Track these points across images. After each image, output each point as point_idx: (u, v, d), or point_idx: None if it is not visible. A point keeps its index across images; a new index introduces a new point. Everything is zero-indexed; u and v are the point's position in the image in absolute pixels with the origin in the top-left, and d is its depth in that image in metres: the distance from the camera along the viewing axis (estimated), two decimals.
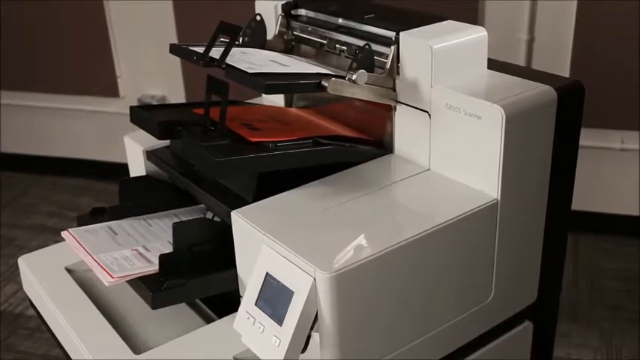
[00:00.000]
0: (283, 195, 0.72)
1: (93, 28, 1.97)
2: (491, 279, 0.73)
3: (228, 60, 0.74)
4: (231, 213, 0.70)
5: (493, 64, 0.77)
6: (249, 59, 0.76)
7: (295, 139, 0.75)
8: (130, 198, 0.83)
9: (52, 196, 2.04)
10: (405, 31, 0.74)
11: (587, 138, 1.26)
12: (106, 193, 2.00)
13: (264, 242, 0.66)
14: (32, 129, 2.19)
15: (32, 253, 0.87)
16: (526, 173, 0.71)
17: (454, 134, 0.72)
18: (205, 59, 0.76)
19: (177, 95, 2.01)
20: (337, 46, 0.85)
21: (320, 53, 0.88)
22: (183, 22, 1.89)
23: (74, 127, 2.14)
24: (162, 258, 0.70)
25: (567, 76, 1.64)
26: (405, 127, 0.78)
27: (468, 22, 0.76)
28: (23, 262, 0.86)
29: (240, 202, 0.72)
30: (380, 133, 0.82)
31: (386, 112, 0.79)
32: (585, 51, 1.62)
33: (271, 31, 0.91)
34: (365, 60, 0.74)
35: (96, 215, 0.83)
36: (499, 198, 0.69)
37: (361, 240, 0.64)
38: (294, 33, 0.91)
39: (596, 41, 1.61)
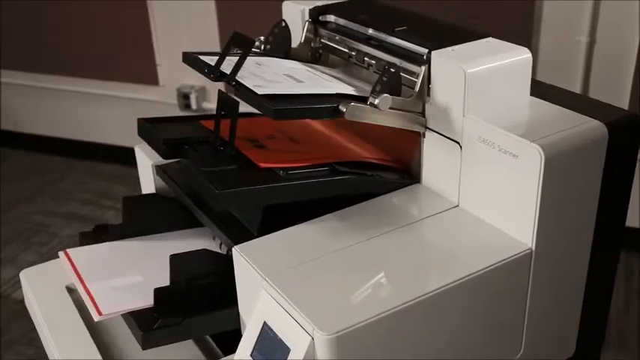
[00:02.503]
0: (293, 230, 0.65)
1: (134, 15, 1.93)
2: (521, 335, 0.65)
3: (239, 75, 0.67)
4: (233, 249, 0.63)
5: (537, 89, 0.68)
6: (261, 73, 0.69)
7: (309, 166, 0.68)
8: (135, 216, 0.77)
9: (88, 183, 2.02)
10: (437, 50, 0.66)
11: None
12: None
13: (263, 287, 0.59)
14: (71, 113, 2.18)
15: (34, 267, 0.83)
16: (567, 220, 0.62)
17: (487, 171, 0.63)
18: (216, 73, 0.69)
19: (215, 86, 1.96)
20: (366, 59, 0.77)
21: (349, 65, 0.80)
22: (224, 11, 1.83)
23: (113, 114, 2.11)
24: (158, 292, 0.64)
25: (630, 83, 1.52)
26: (434, 156, 0.69)
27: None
28: (24, 276, 0.82)
29: (244, 235, 0.66)
30: (408, 157, 0.74)
31: (416, 135, 0.71)
32: None
33: (298, 37, 0.84)
34: (390, 82, 0.66)
35: (99, 233, 0.78)
36: (533, 247, 0.61)
37: (371, 293, 0.57)
38: (322, 41, 0.84)
39: None
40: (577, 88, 1.56)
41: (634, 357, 1.34)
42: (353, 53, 0.79)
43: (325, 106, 0.63)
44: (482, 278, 0.59)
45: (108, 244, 0.75)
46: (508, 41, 0.68)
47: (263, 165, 0.67)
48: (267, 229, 0.66)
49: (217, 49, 1.85)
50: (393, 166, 0.75)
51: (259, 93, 0.63)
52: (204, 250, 0.67)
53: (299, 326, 0.55)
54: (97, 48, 2.03)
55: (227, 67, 0.68)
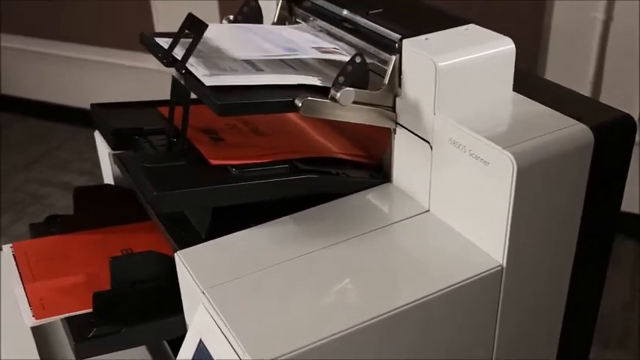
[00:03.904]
0: (243, 234, 0.59)
1: None
2: (490, 354, 0.59)
3: (193, 60, 0.61)
4: (175, 254, 0.58)
5: (522, 84, 0.61)
6: (218, 59, 0.63)
7: (267, 163, 0.62)
8: (87, 208, 0.72)
9: (87, 152, 1.98)
10: (409, 39, 0.59)
11: None
12: None
13: (201, 301, 0.54)
14: (75, 80, 2.13)
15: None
16: (544, 234, 0.56)
17: (457, 176, 0.57)
18: (168, 59, 0.63)
19: None
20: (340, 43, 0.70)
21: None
22: None
23: (116, 82, 2.06)
24: (97, 297, 0.60)
25: None
26: (405, 155, 0.63)
27: None
28: None
29: (191, 238, 0.60)
30: (381, 152, 0.67)
31: (389, 129, 0.65)
32: None
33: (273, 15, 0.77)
34: (355, 74, 0.59)
35: (51, 224, 0.73)
36: (504, 264, 0.55)
37: (319, 312, 0.51)
38: (296, 20, 0.77)
39: None
40: (591, 68, 1.47)
41: (635, 355, 1.27)
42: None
43: (279, 100, 0.57)
44: (445, 297, 0.53)
45: (57, 238, 0.70)
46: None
47: (214, 162, 0.61)
48: (217, 232, 0.60)
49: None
50: (365, 162, 0.68)
51: (207, 84, 0.57)
52: (150, 253, 0.62)
53: (232, 349, 0.49)
54: (99, 15, 1.97)
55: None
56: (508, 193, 0.52)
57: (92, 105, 0.70)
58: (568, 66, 1.49)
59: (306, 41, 0.65)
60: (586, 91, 1.50)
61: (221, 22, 0.75)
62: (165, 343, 0.70)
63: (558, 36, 1.46)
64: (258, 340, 0.48)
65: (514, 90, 0.61)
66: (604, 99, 1.51)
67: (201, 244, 0.58)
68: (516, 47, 0.58)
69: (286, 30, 0.70)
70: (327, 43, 0.65)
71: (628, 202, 1.53)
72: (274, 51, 0.60)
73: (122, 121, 0.68)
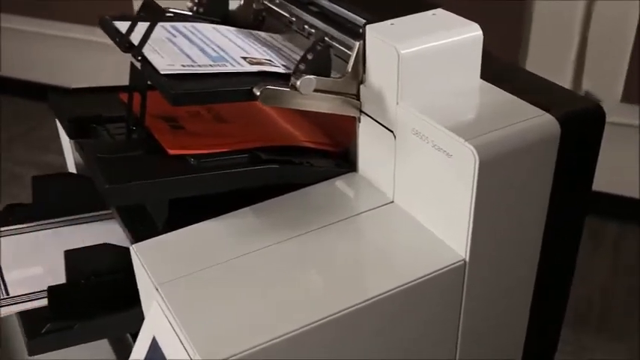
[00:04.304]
0: (201, 227, 0.58)
1: None
2: (453, 350, 0.58)
3: (149, 47, 0.59)
4: (130, 248, 0.56)
5: (491, 70, 0.59)
6: (178, 45, 0.61)
7: (228, 152, 0.60)
8: (47, 197, 0.70)
9: None
10: (373, 24, 0.57)
11: None
12: None
13: (155, 298, 0.52)
14: (62, 59, 2.09)
15: None
16: (508, 228, 0.54)
17: (421, 167, 0.55)
18: (124, 44, 0.60)
19: None
20: (306, 27, 0.68)
21: (290, 32, 0.71)
22: None
23: (99, 61, 2.02)
24: (52, 291, 0.58)
25: (631, 43, 1.41)
26: (369, 144, 0.61)
27: None
28: None
29: (148, 230, 0.59)
30: (348, 140, 0.66)
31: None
32: None
33: None
34: (317, 61, 0.57)
35: (8, 214, 0.71)
36: (467, 259, 0.53)
37: (273, 310, 0.50)
38: (264, 2, 0.74)
39: None
40: (573, 48, 1.45)
41: (612, 339, 1.27)
42: (293, 19, 0.70)
43: (237, 89, 0.55)
44: (405, 293, 0.52)
45: (15, 228, 0.68)
46: None
47: (172, 151, 0.59)
48: (175, 224, 0.58)
49: None
50: (331, 151, 0.66)
51: (161, 72, 0.55)
52: (106, 245, 0.60)
53: (183, 348, 0.48)
54: None
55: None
56: (470, 186, 0.50)
57: (49, 91, 0.68)
58: (550, 46, 1.46)
59: (239, 50, 0.62)
60: (569, 72, 1.48)
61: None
62: (128, 336, 0.68)
63: (540, 17, 1.44)
64: (210, 339, 0.47)
65: (483, 77, 0.59)
66: (587, 80, 1.50)
67: (158, 237, 0.57)
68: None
69: (228, 34, 0.67)
70: (259, 54, 0.62)
71: (606, 184, 1.52)
72: (201, 60, 0.58)
73: (81, 108, 0.65)
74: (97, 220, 0.68)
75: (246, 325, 0.48)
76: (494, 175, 0.51)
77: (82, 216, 0.68)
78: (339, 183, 0.63)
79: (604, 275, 1.42)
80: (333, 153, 0.66)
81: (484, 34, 0.57)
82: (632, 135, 1.51)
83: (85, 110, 0.65)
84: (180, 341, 0.48)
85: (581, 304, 1.34)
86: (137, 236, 0.58)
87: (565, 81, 1.49)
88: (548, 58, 1.48)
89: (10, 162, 1.84)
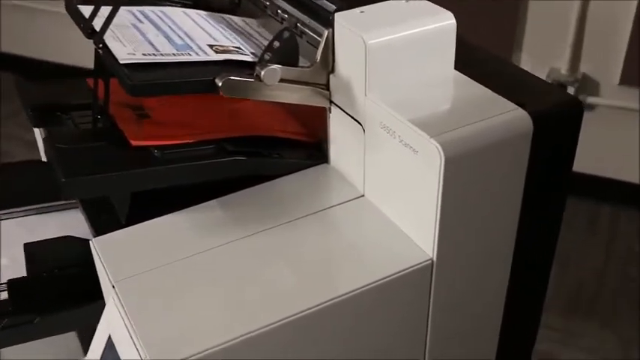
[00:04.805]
0: (165, 220, 0.56)
1: None
2: (421, 351, 0.57)
3: (112, 34, 0.57)
4: (90, 242, 0.55)
5: (467, 61, 0.57)
6: (142, 32, 0.59)
7: (193, 143, 0.58)
8: (12, 186, 0.68)
9: None
10: (342, 12, 0.55)
11: None
12: None
13: (111, 295, 0.51)
14: (54, 35, 2.07)
15: None
16: (477, 227, 0.53)
17: (389, 162, 0.53)
18: (87, 30, 0.58)
19: None
20: (279, 12, 0.65)
21: (265, 17, 0.69)
22: None
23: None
24: (12, 285, 0.57)
25: (630, 23, 1.37)
26: (340, 136, 0.59)
27: None
28: None
29: (111, 222, 0.57)
30: (321, 130, 0.64)
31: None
32: None
33: None
34: (284, 50, 0.55)
35: None
36: (435, 258, 0.52)
37: (232, 310, 0.48)
38: None
39: None
40: (571, 30, 1.42)
41: (603, 325, 1.26)
42: (267, 3, 0.67)
43: (198, 79, 0.53)
44: (370, 293, 0.50)
45: None
46: None
47: (135, 142, 0.57)
48: (139, 217, 0.57)
49: None
50: (304, 141, 0.64)
51: (121, 61, 0.53)
52: (68, 237, 0.59)
53: (135, 349, 0.47)
54: None
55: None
56: (436, 184, 0.48)
57: (17, 79, 0.66)
58: (548, 28, 1.43)
59: (207, 38, 0.60)
60: (566, 54, 1.45)
61: None
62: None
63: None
64: (162, 341, 0.46)
65: (459, 69, 0.56)
66: (584, 62, 1.46)
67: (119, 230, 0.55)
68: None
69: (198, 20, 0.64)
70: (228, 41, 0.60)
71: (604, 168, 1.50)
72: (165, 49, 0.55)
73: (46, 96, 0.63)
74: (64, 209, 0.67)
75: (203, 326, 0.47)
76: (461, 173, 0.49)
77: (48, 205, 0.67)
78: (310, 175, 0.61)
79: (598, 260, 1.41)
80: (306, 143, 0.64)
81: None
82: (632, 119, 1.48)
83: (52, 98, 0.64)
84: (133, 341, 0.47)
85: (572, 289, 1.32)
86: (99, 229, 0.56)
87: (562, 63, 1.46)
88: (545, 40, 1.45)
89: (1, 138, 1.83)
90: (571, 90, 1.43)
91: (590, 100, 1.47)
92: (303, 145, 0.64)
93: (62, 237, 0.58)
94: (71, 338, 0.66)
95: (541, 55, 1.44)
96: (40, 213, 0.66)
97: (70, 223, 0.65)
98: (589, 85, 1.47)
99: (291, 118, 0.66)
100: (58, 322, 0.58)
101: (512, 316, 0.61)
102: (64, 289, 0.58)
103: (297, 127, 0.65)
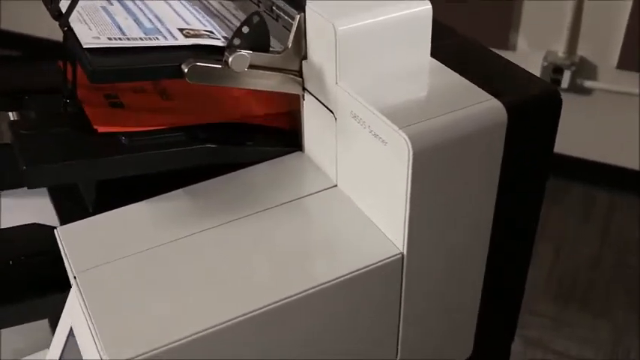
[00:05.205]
0: (132, 209, 0.55)
1: None
2: (394, 342, 0.56)
3: (78, 16, 0.55)
4: (55, 230, 0.53)
5: (444, 47, 0.55)
6: (113, 12, 0.57)
7: (162, 130, 0.57)
8: None
9: None
10: None
11: None
12: None
13: (73, 285, 0.50)
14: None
15: None
16: (450, 221, 0.51)
17: (360, 153, 0.52)
18: (54, 11, 0.57)
19: None
20: None
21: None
22: None
23: None
24: None
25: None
26: (314, 123, 0.58)
27: None
28: None
29: (78, 210, 0.56)
30: (297, 116, 0.62)
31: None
32: None
33: None
34: (253, 35, 0.53)
35: None
36: (405, 252, 0.50)
37: (194, 304, 0.47)
38: None
39: None
40: (569, 12, 1.39)
41: (596, 313, 1.24)
42: None
43: (163, 65, 0.51)
44: (336, 288, 0.49)
45: None
46: None
47: (101, 129, 0.56)
48: (105, 205, 0.56)
49: None
50: (279, 128, 0.63)
51: (84, 45, 0.51)
52: (35, 225, 0.57)
53: (94, 344, 0.46)
54: None
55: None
56: (405, 177, 0.47)
57: None
58: (545, 10, 1.40)
59: (179, 20, 0.58)
60: (564, 36, 1.42)
61: None
62: None
63: None
64: (122, 336, 0.44)
65: (436, 56, 0.55)
66: (582, 45, 1.43)
67: (84, 220, 0.54)
68: None
69: (171, 2, 0.62)
70: (200, 24, 0.58)
71: (602, 154, 1.48)
72: (132, 33, 0.53)
73: (14, 78, 0.62)
74: (35, 195, 0.66)
75: (163, 321, 0.46)
76: (431, 165, 0.47)
77: (16, 190, 0.65)
78: (283, 163, 0.60)
79: (594, 247, 1.39)
80: (284, 130, 0.63)
81: None
82: (630, 103, 1.46)
83: (20, 80, 0.62)
84: (92, 335, 0.46)
85: (566, 276, 1.31)
86: (65, 217, 0.55)
87: (560, 46, 1.44)
88: (542, 22, 1.42)
89: None
90: (568, 73, 1.41)
91: (588, 84, 1.45)
92: (278, 132, 0.62)
93: (29, 224, 0.57)
94: (43, 327, 0.65)
95: (538, 38, 1.42)
96: (8, 197, 0.65)
97: (40, 209, 0.64)
98: (586, 68, 1.44)
99: (268, 105, 0.65)
100: (26, 311, 0.56)
101: (489, 309, 0.59)
102: (31, 277, 0.57)
103: (272, 114, 0.64)
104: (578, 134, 1.44)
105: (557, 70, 1.44)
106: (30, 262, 0.57)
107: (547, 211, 1.37)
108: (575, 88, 1.44)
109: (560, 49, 1.44)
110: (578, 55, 1.43)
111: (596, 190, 1.50)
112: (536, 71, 1.49)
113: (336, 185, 0.57)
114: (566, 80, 1.43)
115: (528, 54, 1.43)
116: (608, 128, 1.45)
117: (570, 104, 1.41)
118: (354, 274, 0.49)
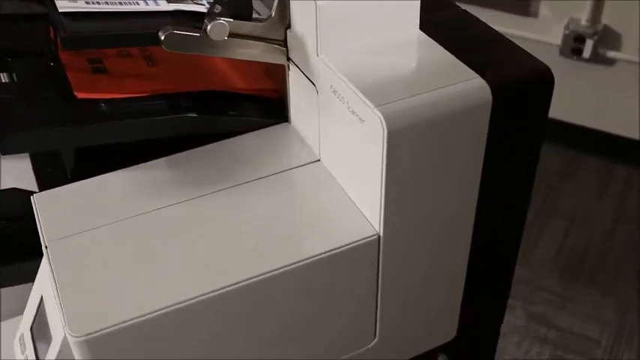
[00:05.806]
0: (109, 178, 0.54)
1: None
2: (372, 324, 0.55)
3: None
4: (31, 197, 0.53)
5: (436, 20, 0.53)
6: None
7: (143, 97, 0.55)
8: None
9: None
10: None
11: None
12: None
13: (45, 254, 0.49)
14: None
15: None
16: (430, 203, 0.49)
17: (339, 129, 0.50)
18: None
19: None
20: None
21: None
22: None
23: None
24: None
25: None
26: (298, 95, 0.56)
27: None
28: None
29: (58, 177, 0.55)
30: (284, 85, 0.60)
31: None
32: None
33: None
34: (235, 2, 0.51)
35: None
36: (381, 233, 0.49)
37: (164, 279, 0.46)
38: None
39: None
40: None
41: (604, 291, 1.22)
42: None
43: (139, 32, 0.50)
44: (310, 267, 0.48)
45: None
46: None
47: (80, 95, 0.55)
48: (84, 173, 0.55)
49: None
50: (266, 97, 0.61)
51: (60, 9, 0.50)
52: (15, 190, 0.57)
53: (59, 317, 0.45)
54: None
55: None
56: (380, 157, 0.45)
57: None
58: None
59: None
60: (587, 4, 1.37)
61: None
62: None
63: None
64: (80, 310, 0.44)
65: (425, 29, 0.52)
66: (606, 14, 1.38)
67: (61, 187, 0.53)
68: None
69: None
70: None
71: (618, 125, 1.43)
72: None
73: (4, 39, 0.61)
74: (15, 158, 0.65)
75: (132, 295, 0.45)
76: (408, 146, 0.45)
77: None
78: (267, 135, 0.58)
79: (607, 222, 1.36)
80: (272, 99, 0.61)
81: None
82: None
83: (4, 41, 0.61)
84: (59, 309, 0.45)
85: (576, 251, 1.29)
86: (45, 183, 0.55)
87: (583, 13, 1.38)
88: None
89: None
90: (590, 43, 1.36)
91: (611, 54, 1.40)
92: (266, 101, 0.61)
93: (9, 189, 0.57)
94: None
95: (560, 5, 1.36)
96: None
97: (23, 173, 0.63)
98: (610, 38, 1.39)
99: (255, 73, 0.63)
100: (3, 276, 0.57)
101: (475, 292, 0.58)
102: (10, 242, 0.57)
103: (260, 82, 0.62)
104: (597, 106, 1.40)
105: (579, 39, 1.39)
106: (9, 226, 0.57)
107: (561, 185, 1.34)
108: (597, 59, 1.39)
109: (583, 17, 1.39)
110: (602, 24, 1.38)
111: (612, 163, 1.46)
112: (558, 40, 1.44)
113: (319, 160, 0.55)
114: (588, 50, 1.38)
115: (550, 21, 1.38)
116: (630, 101, 1.41)
117: (592, 75, 1.37)
118: (329, 253, 0.48)
